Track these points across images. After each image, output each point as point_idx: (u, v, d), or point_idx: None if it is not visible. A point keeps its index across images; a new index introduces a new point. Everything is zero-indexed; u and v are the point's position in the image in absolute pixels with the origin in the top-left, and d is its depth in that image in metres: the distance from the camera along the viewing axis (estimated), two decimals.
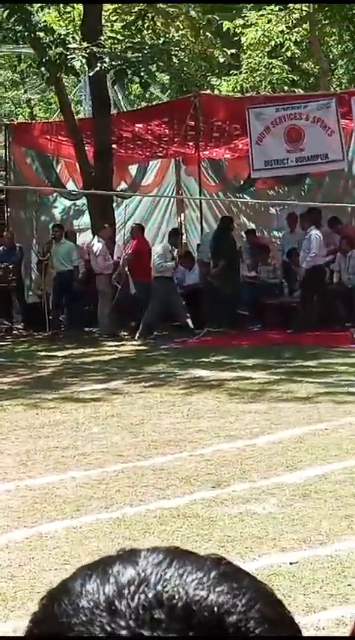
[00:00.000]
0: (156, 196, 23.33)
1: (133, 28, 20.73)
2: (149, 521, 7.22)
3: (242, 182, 22.49)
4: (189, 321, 18.67)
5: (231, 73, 27.11)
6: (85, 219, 22.02)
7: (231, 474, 8.44)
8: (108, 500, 7.80)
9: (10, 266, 20.27)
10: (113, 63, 18.77)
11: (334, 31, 27.60)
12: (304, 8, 24.82)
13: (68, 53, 19.01)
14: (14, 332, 20.54)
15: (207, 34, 21.51)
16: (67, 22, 21.77)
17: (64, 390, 13.14)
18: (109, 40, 19.50)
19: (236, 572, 0.82)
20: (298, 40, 26.16)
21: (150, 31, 21.03)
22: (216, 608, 0.78)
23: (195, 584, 0.80)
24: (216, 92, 24.86)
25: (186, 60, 22.80)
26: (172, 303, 18.72)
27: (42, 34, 19.50)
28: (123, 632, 0.77)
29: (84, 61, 19.01)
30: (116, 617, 0.78)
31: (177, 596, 0.78)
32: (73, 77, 24.44)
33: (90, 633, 0.78)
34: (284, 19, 24.99)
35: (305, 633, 0.84)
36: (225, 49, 22.10)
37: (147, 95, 32.23)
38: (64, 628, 0.80)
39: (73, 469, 8.83)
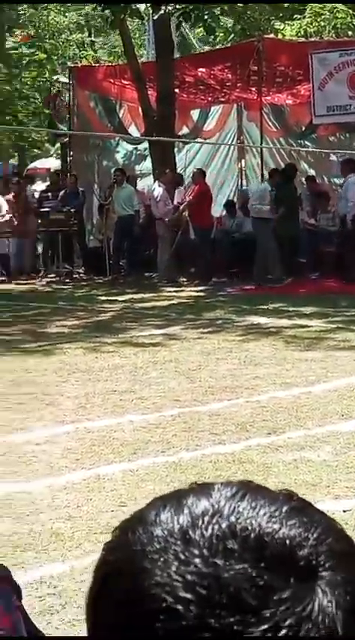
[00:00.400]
0: (216, 144, 23.23)
1: None
2: (204, 466, 7.33)
3: (303, 128, 22.31)
4: (278, 266, 18.41)
5: (294, 17, 26.73)
6: (147, 164, 22.02)
7: (286, 421, 8.51)
8: (164, 444, 7.92)
9: (72, 210, 20.35)
10: (177, 6, 18.66)
11: None
12: None
13: None
14: (75, 276, 20.69)
15: None
16: None
17: (123, 335, 13.27)
18: None
19: (307, 507, 0.85)
20: None
21: None
22: (287, 541, 0.80)
23: (268, 517, 0.82)
24: (280, 37, 24.59)
25: (250, 3, 22.56)
26: (267, 246, 18.42)
27: None
28: (197, 560, 0.79)
29: (148, 4, 18.89)
30: (190, 545, 0.80)
31: (249, 528, 0.81)
32: (137, 20, 24.33)
33: (164, 561, 0.80)
34: None
35: None
36: None
37: (210, 39, 31.94)
38: (138, 555, 0.81)
39: (130, 413, 8.96)
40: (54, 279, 20.38)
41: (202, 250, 19.17)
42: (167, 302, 16.56)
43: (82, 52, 38.19)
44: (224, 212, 21.19)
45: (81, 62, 32.45)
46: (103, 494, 6.78)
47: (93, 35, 38.19)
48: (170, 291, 17.95)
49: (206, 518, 0.82)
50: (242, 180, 23.47)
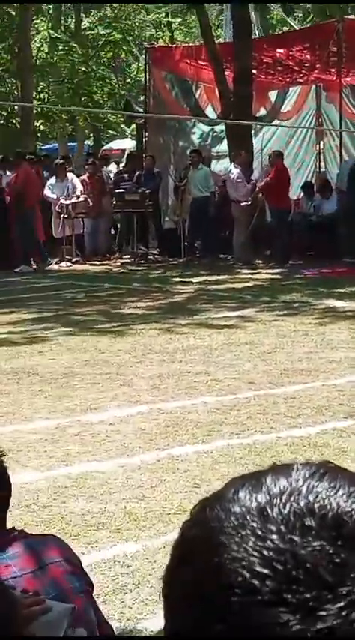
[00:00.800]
0: (293, 127, 23.02)
1: None
2: (279, 449, 7.25)
3: None
4: None
5: None
6: (223, 146, 21.90)
7: None
8: (239, 427, 7.85)
9: (148, 191, 20.31)
10: None
11: None
12: None
13: None
14: (149, 257, 20.67)
15: None
16: None
17: (198, 316, 13.21)
18: None
19: None
20: None
21: None
22: None
23: (346, 497, 0.82)
24: None
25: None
26: None
27: None
28: (274, 537, 0.80)
29: None
30: (267, 522, 0.81)
31: (328, 507, 0.81)
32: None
33: (241, 536, 0.81)
34: None
35: None
36: None
37: (288, 20, 31.68)
38: (216, 531, 0.83)
39: (204, 394, 8.90)
40: (128, 260, 20.39)
41: (279, 232, 19.02)
42: (242, 284, 16.45)
43: (158, 32, 38.18)
44: (301, 194, 20.99)
45: (157, 43, 32.42)
46: (177, 475, 6.73)
47: (169, 16, 38.11)
48: (245, 273, 17.83)
49: (284, 497, 0.83)
50: (320, 162, 23.22)
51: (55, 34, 31.14)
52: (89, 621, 3.18)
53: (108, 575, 5.23)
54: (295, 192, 20.87)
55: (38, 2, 28.89)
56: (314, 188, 20.93)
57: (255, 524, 0.82)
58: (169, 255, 20.49)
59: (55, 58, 31.07)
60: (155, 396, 8.86)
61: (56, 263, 20.04)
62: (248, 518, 0.83)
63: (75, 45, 31.29)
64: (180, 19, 38.72)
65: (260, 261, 19.05)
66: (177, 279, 17.34)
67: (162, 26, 39.22)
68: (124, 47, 33.47)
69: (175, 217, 21.17)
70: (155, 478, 6.67)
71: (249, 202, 19.26)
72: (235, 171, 19.24)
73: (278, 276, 17.38)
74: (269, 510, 0.82)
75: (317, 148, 23.41)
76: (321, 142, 23.57)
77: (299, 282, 16.56)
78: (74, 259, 20.07)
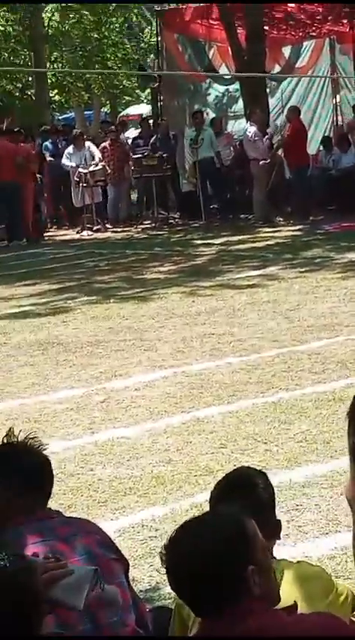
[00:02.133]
0: (308, 76, 22.82)
1: None
2: (305, 405, 7.25)
3: None
4: None
5: None
6: (239, 105, 21.74)
7: None
8: (264, 385, 7.85)
9: (165, 155, 20.22)
10: None
11: None
12: None
13: None
14: (170, 221, 20.61)
15: None
16: None
17: (220, 278, 13.17)
18: None
19: None
20: None
21: None
22: None
23: None
24: None
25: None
26: None
27: None
28: None
29: None
30: None
31: None
32: None
33: None
34: None
35: None
36: None
37: None
38: None
39: (229, 355, 8.90)
40: (149, 226, 20.34)
41: (298, 189, 18.90)
42: (263, 243, 16.38)
43: None
44: (320, 149, 20.84)
45: (168, 5, 32.16)
46: (203, 436, 6.75)
47: None
48: (266, 232, 17.75)
49: None
50: (337, 116, 23.01)
51: (66, 3, 30.95)
52: (120, 584, 3.22)
53: (138, 539, 5.27)
54: (314, 148, 20.72)
55: (44, 2, 28.73)
56: (332, 142, 20.76)
57: None
58: (189, 218, 20.41)
59: (66, 27, 30.92)
60: (179, 360, 8.87)
61: (77, 232, 20.03)
62: None
63: (86, 12, 31.10)
64: None
65: (280, 219, 18.95)
66: (199, 242, 17.29)
67: None
68: (135, 11, 33.25)
69: (193, 180, 21.07)
70: (181, 441, 6.70)
71: (268, 160, 19.14)
72: (252, 130, 19.11)
73: (299, 233, 17.30)
74: None
75: (334, 102, 23.19)
76: (338, 95, 23.34)
77: (321, 237, 16.46)
78: (95, 227, 20.04)
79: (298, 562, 3.37)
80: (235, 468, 3.54)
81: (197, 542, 2.52)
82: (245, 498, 3.02)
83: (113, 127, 22.54)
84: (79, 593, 2.84)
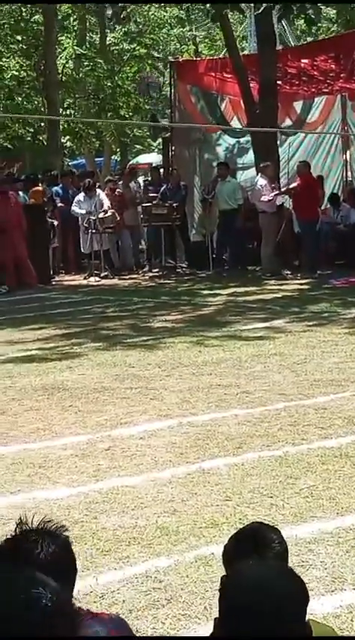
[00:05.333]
0: (320, 133, 22.95)
1: None
2: (311, 460, 7.21)
3: None
4: None
5: None
6: (249, 157, 21.87)
7: None
8: (270, 438, 7.82)
9: (175, 204, 20.32)
10: None
11: None
12: None
13: None
14: (178, 270, 20.66)
15: None
16: None
17: (227, 328, 13.18)
18: None
19: None
20: None
21: None
22: None
23: None
24: None
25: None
26: None
27: None
28: None
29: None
30: None
31: None
32: (238, 13, 24.16)
33: None
34: None
35: None
36: None
37: (313, 30, 31.64)
38: None
39: (235, 407, 8.87)
40: (157, 274, 20.39)
41: (307, 243, 18.97)
42: (271, 295, 16.41)
43: (183, 46, 38.25)
44: (328, 204, 20.94)
45: (182, 56, 32.48)
46: (208, 488, 6.71)
47: (194, 29, 38.19)
48: (274, 284, 17.79)
49: None
50: (347, 172, 23.13)
51: (80, 50, 31.26)
52: None
53: (141, 590, 5.22)
54: (322, 203, 20.80)
55: (61, 2, 28.85)
56: (340, 198, 20.87)
57: None
58: (197, 267, 20.48)
59: (80, 74, 31.19)
60: (185, 410, 8.85)
61: (85, 278, 20.09)
62: None
63: (100, 60, 31.39)
64: (204, 33, 38.79)
65: (288, 272, 18.99)
66: (206, 292, 17.32)
67: (187, 40, 39.32)
68: (149, 61, 33.56)
69: (203, 230, 21.17)
70: (186, 492, 6.66)
71: (275, 210, 19.23)
72: (262, 182, 19.22)
73: (306, 287, 17.33)
74: None
75: (344, 158, 23.31)
76: (348, 152, 23.48)
77: (328, 292, 16.49)
78: (103, 274, 20.10)
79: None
80: (249, 523, 3.51)
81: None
82: (262, 554, 3.00)
83: (120, 175, 22.71)
84: None
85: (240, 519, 5.98)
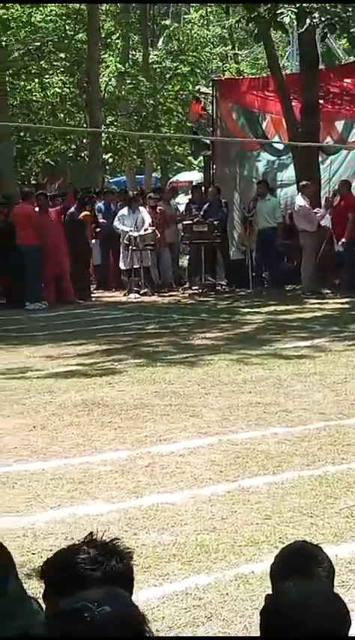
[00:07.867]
0: None
1: None
2: (351, 479, 7.19)
3: None
4: None
5: None
6: (288, 174, 21.88)
7: None
8: (310, 458, 7.80)
9: (216, 222, 20.36)
10: (322, 18, 18.48)
11: None
12: None
13: (278, 9, 18.81)
14: (218, 288, 20.69)
15: None
16: None
17: (267, 347, 13.17)
18: None
19: None
20: None
21: None
22: None
23: None
24: None
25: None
26: None
27: None
28: None
29: (293, 16, 18.76)
30: None
31: None
32: (281, 33, 24.20)
33: None
34: None
35: None
36: None
37: None
38: None
39: (275, 425, 8.86)
40: (197, 292, 20.42)
41: (348, 262, 18.92)
42: (311, 314, 16.39)
43: (225, 64, 38.34)
44: None
45: (224, 75, 32.57)
46: (248, 506, 6.71)
47: (236, 48, 38.28)
48: (314, 303, 17.76)
49: None
50: None
51: (123, 68, 31.42)
52: None
53: (181, 607, 5.22)
54: None
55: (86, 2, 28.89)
56: None
57: None
58: (237, 285, 20.50)
59: (122, 92, 31.36)
60: (225, 427, 8.85)
61: (124, 294, 20.16)
62: None
63: (142, 78, 31.54)
64: (246, 51, 38.88)
65: (328, 291, 18.96)
66: (246, 310, 17.33)
67: (229, 58, 39.41)
68: (191, 79, 33.67)
69: (243, 248, 21.18)
70: (226, 510, 6.66)
71: (316, 229, 19.21)
72: (302, 202, 19.22)
73: (347, 306, 17.28)
74: None
75: None
76: None
77: None
78: (142, 291, 20.16)
79: None
80: (293, 542, 3.51)
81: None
82: (309, 573, 3.00)
83: (161, 193, 22.79)
84: None
85: (280, 538, 5.98)
